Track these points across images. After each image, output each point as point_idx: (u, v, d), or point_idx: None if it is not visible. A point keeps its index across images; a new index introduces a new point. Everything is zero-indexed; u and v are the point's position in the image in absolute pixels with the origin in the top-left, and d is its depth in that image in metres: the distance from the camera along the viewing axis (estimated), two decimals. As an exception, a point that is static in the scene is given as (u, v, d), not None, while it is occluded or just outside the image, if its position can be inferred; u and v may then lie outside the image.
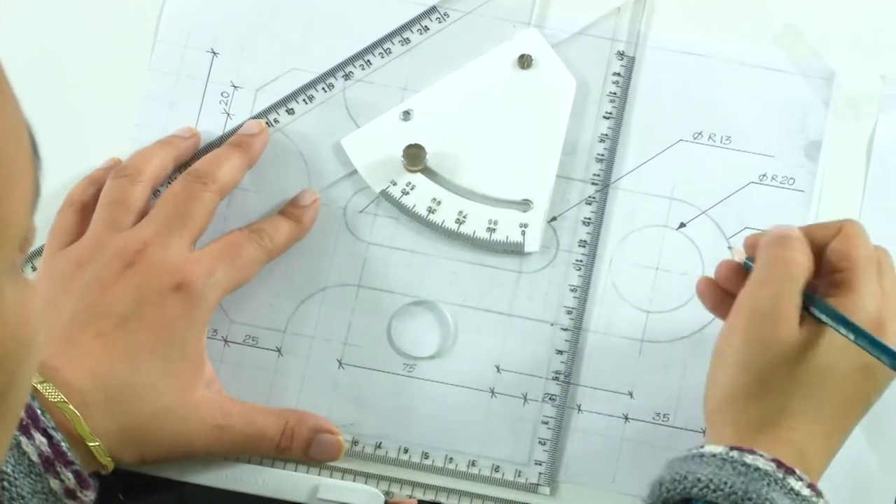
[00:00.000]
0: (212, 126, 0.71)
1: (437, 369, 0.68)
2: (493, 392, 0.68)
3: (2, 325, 0.37)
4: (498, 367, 0.68)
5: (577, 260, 0.69)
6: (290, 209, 0.69)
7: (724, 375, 0.61)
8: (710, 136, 0.71)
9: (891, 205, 0.70)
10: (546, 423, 0.67)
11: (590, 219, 0.70)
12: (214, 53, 0.72)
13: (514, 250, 0.69)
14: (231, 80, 0.72)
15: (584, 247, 0.69)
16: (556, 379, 0.68)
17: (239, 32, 0.72)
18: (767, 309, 0.60)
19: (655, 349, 0.68)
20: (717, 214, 0.70)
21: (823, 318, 0.59)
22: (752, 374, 0.59)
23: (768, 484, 0.56)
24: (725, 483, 0.56)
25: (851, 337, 0.58)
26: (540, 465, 0.67)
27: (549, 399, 0.68)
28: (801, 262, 0.60)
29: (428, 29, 0.72)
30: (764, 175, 0.70)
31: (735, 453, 0.57)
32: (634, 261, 0.69)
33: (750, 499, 0.55)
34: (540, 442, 0.67)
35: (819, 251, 0.62)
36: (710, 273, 0.65)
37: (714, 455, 0.58)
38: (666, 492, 0.58)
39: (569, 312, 0.69)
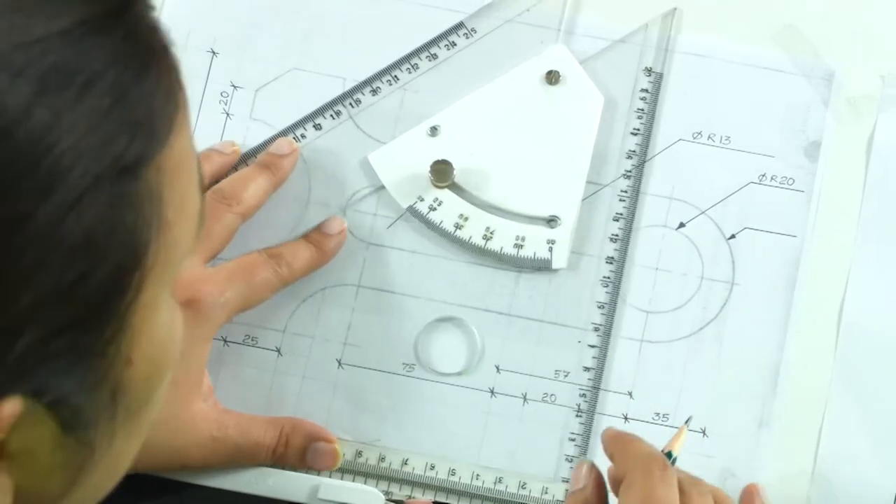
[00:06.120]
0: (211, 126, 0.71)
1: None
2: (492, 392, 0.68)
3: (156, 343, 0.39)
4: (498, 368, 0.68)
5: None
6: (316, 235, 0.68)
7: None
8: (709, 136, 0.71)
9: (891, 205, 0.70)
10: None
11: (617, 235, 0.69)
12: (214, 53, 0.72)
13: (542, 266, 0.69)
14: (231, 80, 0.71)
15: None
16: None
17: (239, 32, 0.72)
18: None
19: (655, 349, 0.68)
20: (716, 214, 0.70)
21: None
22: None
23: None
24: None
25: None
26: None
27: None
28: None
29: (455, 45, 0.72)
30: (763, 175, 0.70)
31: None
32: (634, 261, 0.69)
33: None
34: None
35: None
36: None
37: None
38: None
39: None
